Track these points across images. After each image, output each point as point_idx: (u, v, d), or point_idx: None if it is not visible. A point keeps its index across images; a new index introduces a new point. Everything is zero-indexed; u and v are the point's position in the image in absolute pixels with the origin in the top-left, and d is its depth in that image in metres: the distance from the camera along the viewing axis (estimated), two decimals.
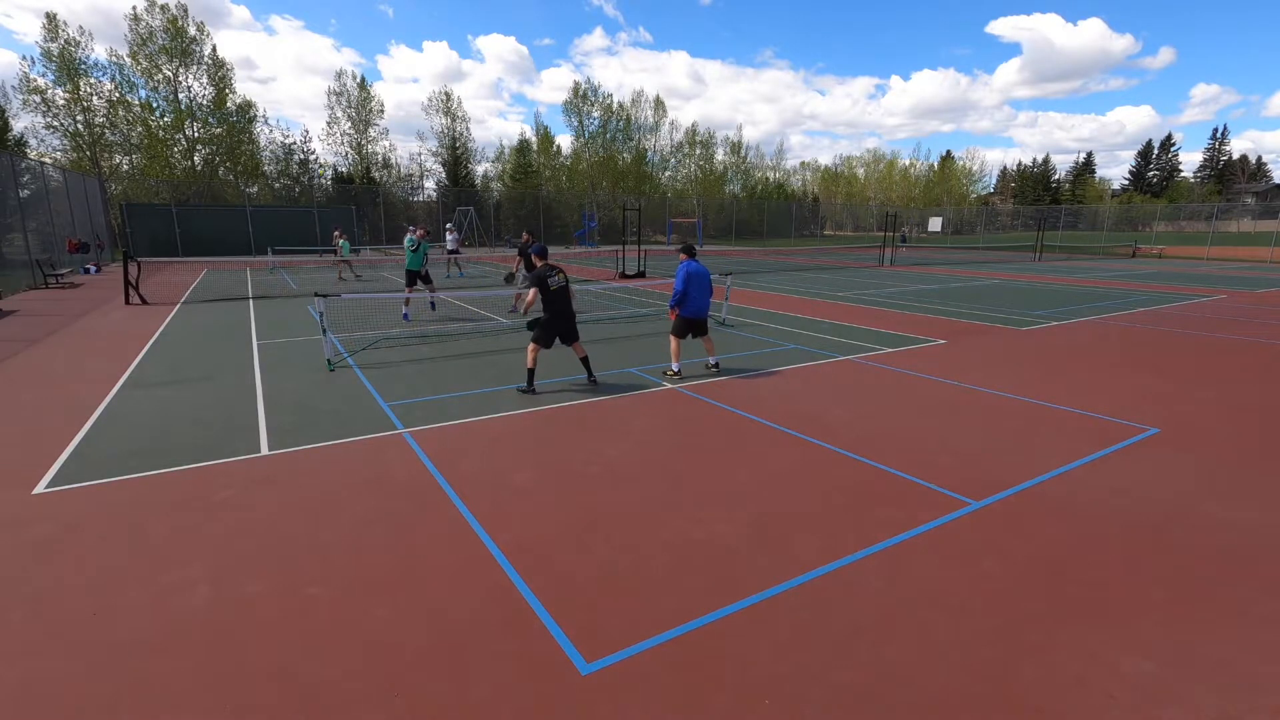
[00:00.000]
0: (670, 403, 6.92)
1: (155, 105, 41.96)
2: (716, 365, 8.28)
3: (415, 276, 12.61)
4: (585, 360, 7.55)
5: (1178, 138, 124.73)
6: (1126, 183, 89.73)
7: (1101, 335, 11.37)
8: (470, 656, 2.91)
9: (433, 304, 13.54)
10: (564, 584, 3.49)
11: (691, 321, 7.91)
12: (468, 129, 59.07)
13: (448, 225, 24.50)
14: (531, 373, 7.20)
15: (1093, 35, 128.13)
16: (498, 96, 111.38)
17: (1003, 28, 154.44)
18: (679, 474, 5.00)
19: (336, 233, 23.85)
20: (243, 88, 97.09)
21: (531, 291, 7.15)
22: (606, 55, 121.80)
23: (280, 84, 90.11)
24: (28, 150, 37.77)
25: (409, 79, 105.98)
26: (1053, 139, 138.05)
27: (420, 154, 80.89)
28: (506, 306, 14.13)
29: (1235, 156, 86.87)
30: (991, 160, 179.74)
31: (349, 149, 52.57)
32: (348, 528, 4.11)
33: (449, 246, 22.58)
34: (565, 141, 63.66)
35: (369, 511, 4.33)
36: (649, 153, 64.92)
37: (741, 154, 72.44)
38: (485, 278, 21.86)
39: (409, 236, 12.67)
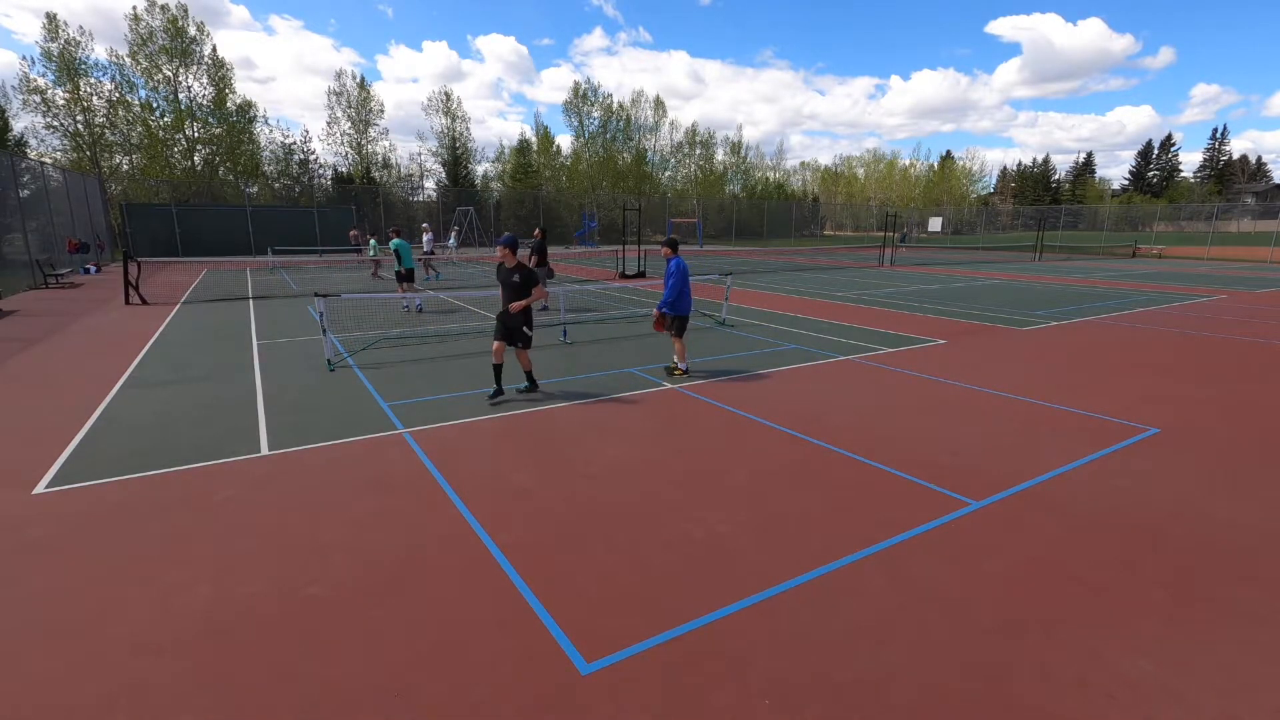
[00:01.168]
0: (670, 403, 6.92)
1: (155, 105, 41.99)
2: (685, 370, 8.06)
3: (411, 274, 13.88)
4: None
5: (1178, 138, 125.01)
6: (1126, 183, 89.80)
7: (1101, 335, 11.37)
8: (470, 656, 2.91)
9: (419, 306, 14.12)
10: (564, 584, 3.49)
11: (688, 317, 7.92)
12: (468, 129, 59.14)
13: (423, 225, 23.59)
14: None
15: (1092, 35, 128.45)
16: (497, 96, 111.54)
17: (1002, 28, 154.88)
18: (679, 474, 5.00)
19: (354, 233, 23.65)
20: (242, 88, 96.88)
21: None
22: (606, 55, 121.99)
23: (280, 84, 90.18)
24: (28, 150, 37.76)
25: (409, 79, 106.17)
26: (1053, 139, 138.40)
27: (420, 154, 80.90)
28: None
29: (1235, 156, 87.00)
30: (991, 160, 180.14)
31: (349, 149, 52.62)
32: (348, 528, 4.11)
33: (425, 248, 21.85)
34: (565, 141, 63.78)
35: (369, 511, 4.33)
36: (649, 153, 64.94)
37: (741, 154, 72.50)
38: (484, 277, 21.85)
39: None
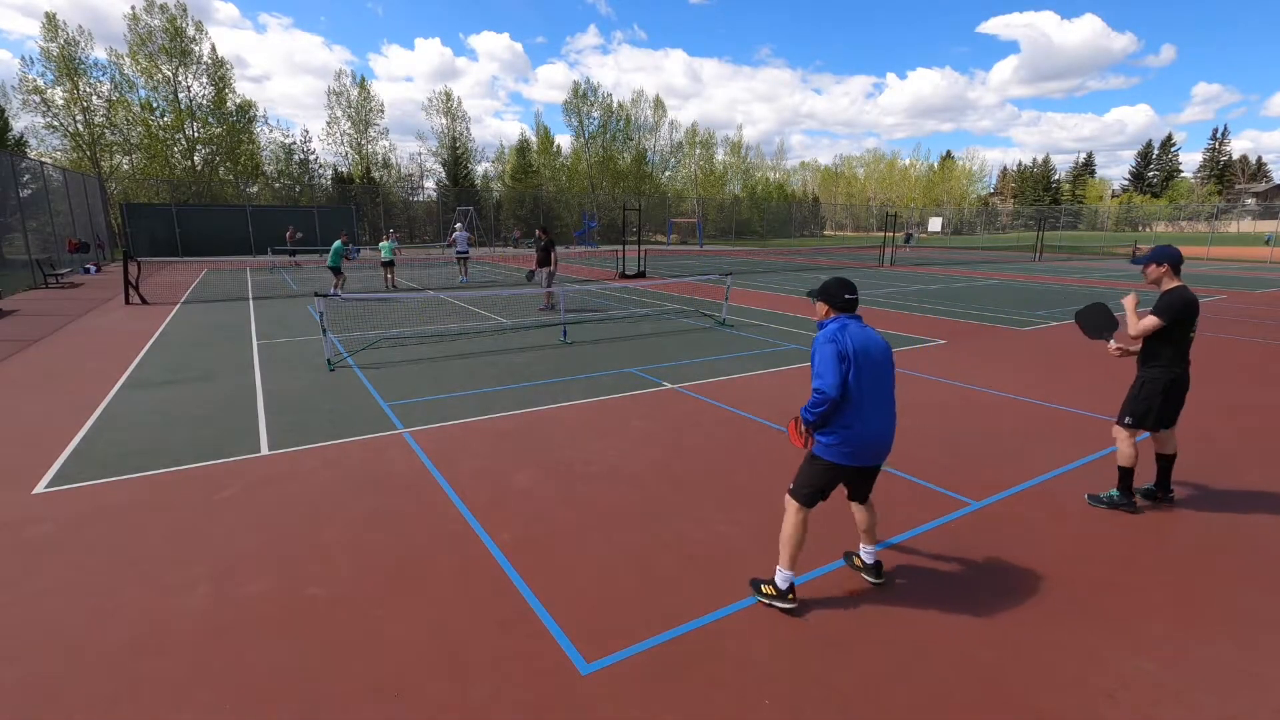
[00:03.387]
0: (670, 403, 6.91)
1: (155, 105, 41.96)
2: None
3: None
4: None
5: (1179, 137, 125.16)
6: (1126, 183, 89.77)
7: None
8: (470, 656, 2.91)
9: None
10: (564, 584, 3.49)
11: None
12: (467, 129, 59.12)
13: (456, 225, 22.01)
14: None
15: (1090, 33, 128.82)
16: (493, 95, 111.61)
17: (999, 26, 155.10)
18: (679, 474, 5.00)
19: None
20: (236, 86, 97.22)
21: None
22: (601, 54, 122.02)
23: (273, 83, 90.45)
24: (28, 150, 37.74)
25: (402, 77, 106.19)
26: (1053, 139, 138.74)
27: (420, 154, 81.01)
28: (501, 306, 14.17)
29: (1235, 157, 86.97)
30: (991, 160, 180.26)
31: (349, 149, 52.62)
32: (348, 528, 4.11)
33: (460, 248, 20.25)
34: (565, 141, 63.77)
35: (369, 511, 4.33)
36: (649, 153, 64.92)
37: (741, 154, 72.50)
38: (483, 276, 21.84)
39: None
